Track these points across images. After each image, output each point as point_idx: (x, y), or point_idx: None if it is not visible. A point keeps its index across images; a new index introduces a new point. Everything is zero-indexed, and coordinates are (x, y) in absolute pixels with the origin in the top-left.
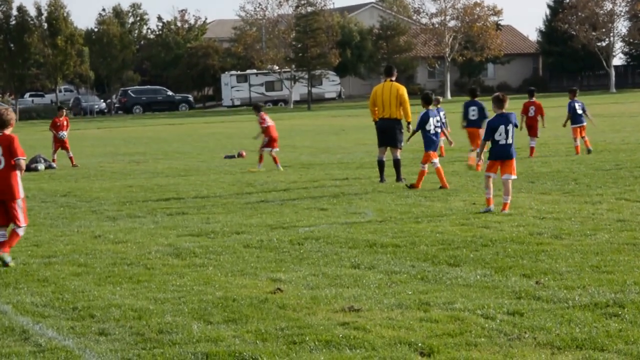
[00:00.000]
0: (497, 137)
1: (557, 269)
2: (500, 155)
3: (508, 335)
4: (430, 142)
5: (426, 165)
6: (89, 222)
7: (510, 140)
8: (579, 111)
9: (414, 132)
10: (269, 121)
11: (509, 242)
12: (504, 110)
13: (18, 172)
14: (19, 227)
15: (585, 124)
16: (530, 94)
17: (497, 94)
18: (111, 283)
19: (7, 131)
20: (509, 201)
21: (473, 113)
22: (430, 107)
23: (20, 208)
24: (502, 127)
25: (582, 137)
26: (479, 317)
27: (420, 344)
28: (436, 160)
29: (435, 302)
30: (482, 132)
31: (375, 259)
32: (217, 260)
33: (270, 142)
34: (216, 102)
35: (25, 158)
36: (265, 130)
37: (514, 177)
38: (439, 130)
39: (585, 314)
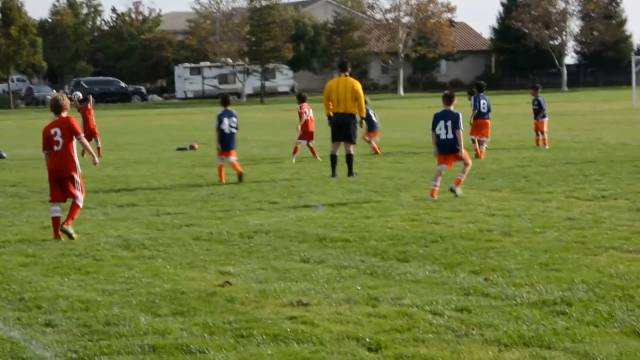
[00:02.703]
0: (437, 131)
1: (505, 266)
2: (444, 149)
3: (456, 332)
4: (225, 142)
5: (226, 159)
6: (39, 213)
7: (450, 135)
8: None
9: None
10: (309, 114)
11: (458, 238)
12: (450, 107)
13: (75, 150)
14: (78, 199)
15: (546, 119)
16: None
17: (448, 92)
18: (59, 274)
19: (64, 114)
20: (462, 179)
21: (484, 105)
22: (228, 108)
23: (77, 183)
24: (442, 122)
25: (541, 132)
26: (427, 313)
27: (367, 339)
28: (223, 157)
29: (383, 298)
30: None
31: (324, 254)
32: (166, 253)
33: (304, 135)
34: (169, 95)
35: (82, 135)
36: (303, 123)
37: (467, 161)
38: (233, 130)
39: (533, 311)
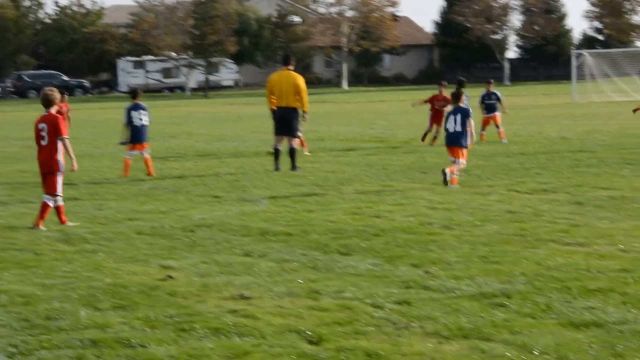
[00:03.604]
0: (447, 125)
1: (446, 259)
2: (449, 141)
3: (396, 324)
4: (136, 134)
5: (139, 153)
6: None
7: (458, 128)
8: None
9: (126, 126)
10: None
11: (399, 231)
12: (459, 104)
13: (60, 149)
14: (54, 195)
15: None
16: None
17: (455, 90)
18: None
19: (52, 110)
20: (454, 177)
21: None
22: (138, 101)
23: (59, 180)
24: (452, 117)
25: (497, 126)
26: (368, 306)
27: (309, 332)
28: (134, 152)
29: (325, 291)
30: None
31: (267, 247)
32: (108, 247)
33: None
34: (102, 90)
35: (67, 137)
36: None
37: (461, 160)
38: (144, 123)
39: (472, 303)
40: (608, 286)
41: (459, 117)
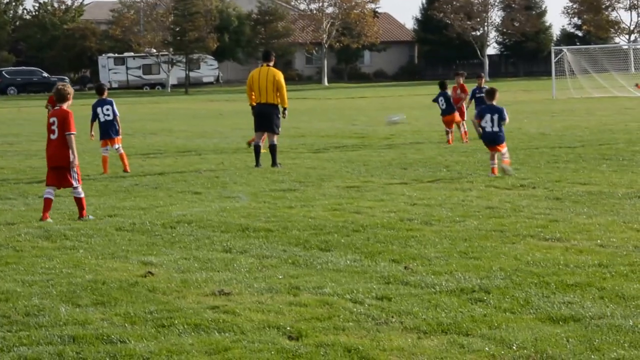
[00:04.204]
0: (483, 124)
1: (426, 254)
2: (489, 140)
3: (376, 320)
4: (102, 131)
5: (111, 148)
6: None
7: (495, 128)
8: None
9: (92, 123)
10: None
11: (379, 227)
12: (494, 102)
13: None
14: (75, 189)
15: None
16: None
17: (489, 87)
18: None
19: (65, 105)
20: (495, 166)
21: (442, 103)
22: (104, 97)
23: (74, 172)
24: (488, 116)
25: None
26: (348, 302)
27: (288, 328)
28: (108, 147)
29: (305, 287)
30: (457, 115)
31: (247, 243)
32: (88, 243)
33: None
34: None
35: (74, 133)
36: None
37: (502, 151)
38: (109, 118)
39: (452, 299)
40: (586, 281)
41: (496, 117)
